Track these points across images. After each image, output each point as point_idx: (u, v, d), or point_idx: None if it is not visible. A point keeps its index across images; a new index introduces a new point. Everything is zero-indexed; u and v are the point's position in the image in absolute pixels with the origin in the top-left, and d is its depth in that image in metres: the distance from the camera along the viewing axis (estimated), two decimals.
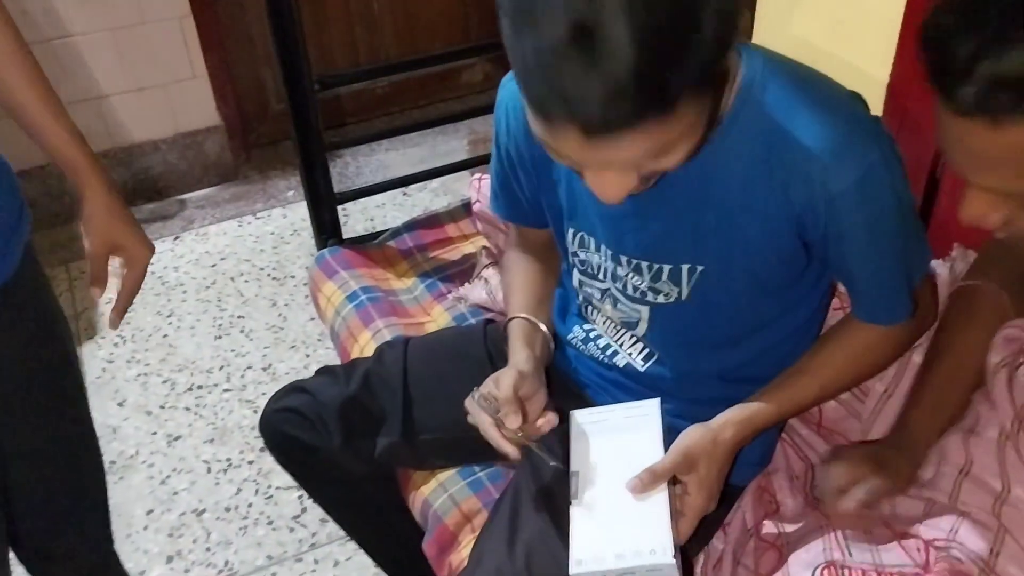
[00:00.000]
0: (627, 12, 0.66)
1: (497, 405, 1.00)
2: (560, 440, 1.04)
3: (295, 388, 1.27)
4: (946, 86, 0.69)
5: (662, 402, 1.03)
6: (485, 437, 1.01)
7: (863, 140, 0.88)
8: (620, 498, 0.93)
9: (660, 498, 0.93)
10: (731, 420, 0.99)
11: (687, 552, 1.06)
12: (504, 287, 1.26)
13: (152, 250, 1.16)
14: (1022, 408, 0.96)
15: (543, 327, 1.15)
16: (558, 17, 0.68)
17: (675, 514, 0.94)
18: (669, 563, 0.88)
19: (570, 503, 0.96)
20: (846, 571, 0.92)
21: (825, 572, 0.93)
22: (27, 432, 1.17)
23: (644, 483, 0.92)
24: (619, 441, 0.99)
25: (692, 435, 0.97)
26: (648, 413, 1.01)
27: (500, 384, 1.01)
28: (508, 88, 1.08)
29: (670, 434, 0.99)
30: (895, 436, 1.04)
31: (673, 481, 0.95)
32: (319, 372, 1.30)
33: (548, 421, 1.01)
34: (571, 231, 1.08)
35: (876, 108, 1.35)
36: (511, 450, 0.99)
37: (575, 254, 1.10)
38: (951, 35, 0.68)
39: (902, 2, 1.27)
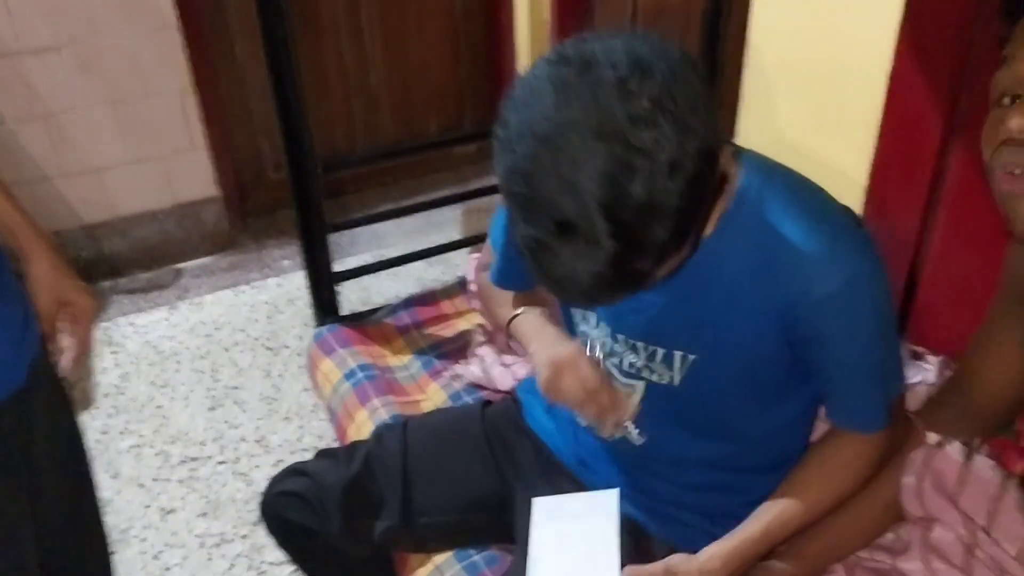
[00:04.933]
0: (602, 212, 0.76)
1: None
2: (526, 526, 1.06)
3: (296, 471, 1.28)
4: None
5: (644, 487, 1.04)
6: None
7: (850, 250, 0.93)
8: None
9: None
10: (717, 554, 0.98)
11: None
12: (490, 301, 1.28)
13: (98, 301, 1.16)
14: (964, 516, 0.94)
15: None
16: (546, 215, 0.78)
17: None
18: None
19: None
20: None
21: None
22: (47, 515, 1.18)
23: None
24: (576, 530, 1.02)
25: (678, 557, 0.97)
26: (606, 504, 1.03)
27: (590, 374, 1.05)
28: None
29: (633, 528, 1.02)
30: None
31: None
32: (319, 455, 1.32)
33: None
34: None
35: (855, 201, 1.40)
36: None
37: (577, 325, 1.14)
38: None
39: (881, 96, 1.33)
